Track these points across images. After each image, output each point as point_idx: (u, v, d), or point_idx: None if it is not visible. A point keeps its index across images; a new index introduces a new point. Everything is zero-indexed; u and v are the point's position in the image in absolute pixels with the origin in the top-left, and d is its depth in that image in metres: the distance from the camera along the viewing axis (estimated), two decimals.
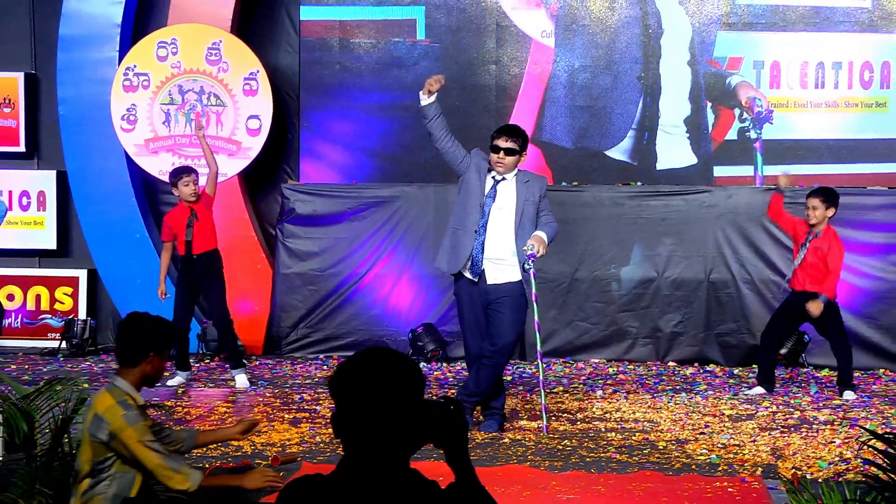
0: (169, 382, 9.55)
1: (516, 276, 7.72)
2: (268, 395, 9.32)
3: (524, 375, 10.10)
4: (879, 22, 10.94)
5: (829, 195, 9.21)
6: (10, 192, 11.62)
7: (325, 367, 10.53)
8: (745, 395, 9.31)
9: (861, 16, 10.96)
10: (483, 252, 7.67)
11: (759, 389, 9.37)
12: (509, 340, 7.84)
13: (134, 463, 5.01)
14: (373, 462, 2.88)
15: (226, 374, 10.16)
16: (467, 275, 7.74)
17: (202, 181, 9.79)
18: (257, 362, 10.74)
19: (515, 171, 7.76)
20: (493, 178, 7.74)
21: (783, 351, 10.03)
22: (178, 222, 9.58)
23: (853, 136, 11.06)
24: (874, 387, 9.59)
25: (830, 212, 9.15)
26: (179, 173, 9.65)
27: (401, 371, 2.93)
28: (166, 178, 11.12)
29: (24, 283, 11.42)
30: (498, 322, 7.75)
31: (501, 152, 7.65)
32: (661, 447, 7.52)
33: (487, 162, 7.78)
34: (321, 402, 8.97)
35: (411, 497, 2.88)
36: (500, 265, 7.71)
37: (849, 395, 9.21)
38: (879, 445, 5.24)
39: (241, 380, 9.63)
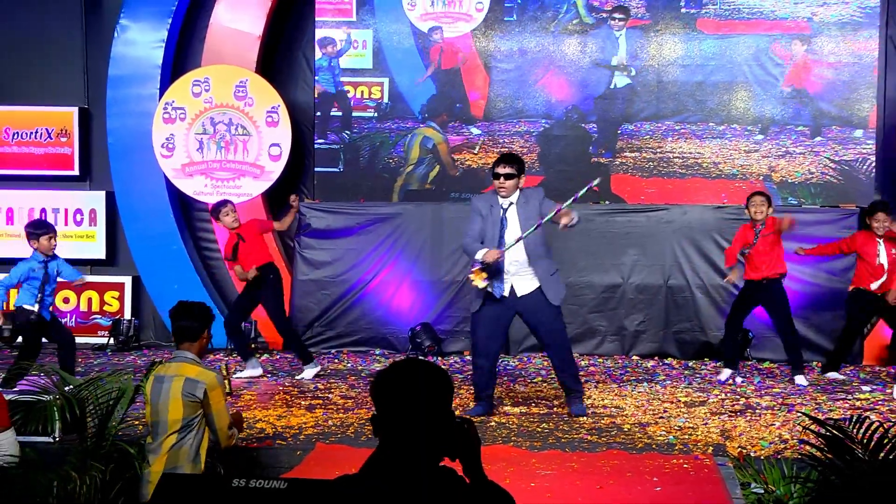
0: (240, 374, 9.49)
1: (536, 284, 7.61)
2: (286, 384, 9.29)
3: (508, 368, 10.07)
4: None
5: (767, 196, 9.29)
6: (66, 210, 11.61)
7: (336, 360, 10.50)
8: (717, 380, 9.32)
9: None
10: (502, 273, 7.53)
11: (727, 371, 9.38)
12: (561, 336, 7.82)
13: (208, 419, 5.47)
14: (408, 459, 2.85)
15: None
16: (494, 293, 7.60)
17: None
18: (278, 356, 10.70)
19: (517, 193, 7.64)
20: (502, 207, 7.60)
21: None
22: (228, 247, 9.58)
23: None
24: (808, 377, 9.56)
25: (770, 210, 9.17)
26: (218, 207, 9.59)
27: (434, 379, 2.91)
28: (201, 199, 11.15)
29: (78, 288, 11.37)
30: (538, 321, 7.73)
31: (502, 178, 7.56)
32: (626, 429, 7.51)
33: (489, 196, 7.74)
34: (333, 391, 8.95)
35: (442, 492, 2.85)
36: (523, 277, 7.61)
37: (800, 379, 9.21)
38: (815, 428, 5.22)
39: (309, 372, 9.51)
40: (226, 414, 5.52)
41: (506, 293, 7.62)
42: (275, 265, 9.71)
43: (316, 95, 11.47)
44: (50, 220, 11.02)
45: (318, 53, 11.39)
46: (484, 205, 7.70)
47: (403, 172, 11.46)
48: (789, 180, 10.94)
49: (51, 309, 8.71)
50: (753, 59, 10.99)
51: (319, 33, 11.39)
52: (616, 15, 11.09)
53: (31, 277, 8.56)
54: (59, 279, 8.92)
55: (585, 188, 7.59)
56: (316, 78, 11.44)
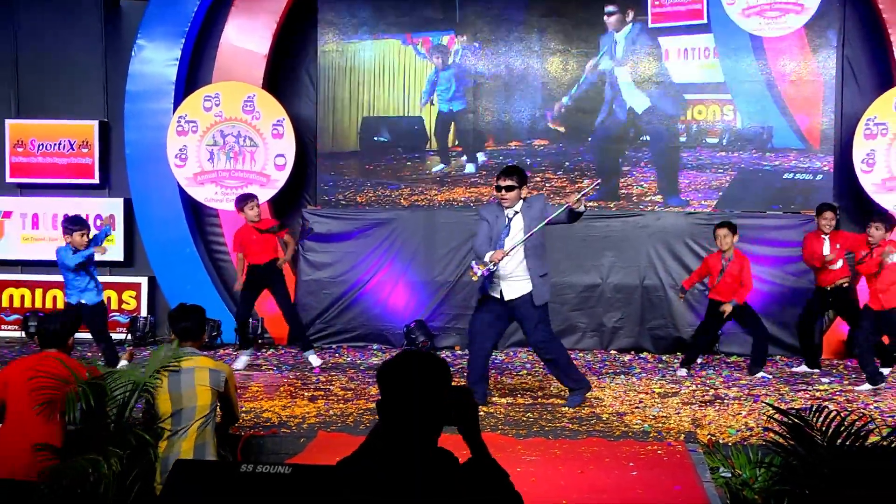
0: (236, 364, 9.48)
1: (527, 288, 7.61)
2: (291, 376, 9.28)
3: (495, 361, 10.06)
4: None
5: (732, 226, 9.26)
6: (87, 215, 11.50)
7: (337, 355, 10.49)
8: (676, 374, 9.35)
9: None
10: (495, 276, 7.56)
11: (683, 371, 9.41)
12: (546, 337, 7.79)
13: (229, 402, 5.76)
14: (405, 439, 2.87)
15: (258, 361, 10.11)
16: (493, 294, 7.67)
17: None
18: (282, 351, 10.69)
19: (520, 202, 7.64)
20: (507, 216, 7.61)
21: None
22: (244, 238, 9.51)
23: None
24: (771, 369, 9.59)
25: (735, 238, 9.19)
26: (245, 199, 9.53)
27: (432, 367, 2.93)
28: (212, 205, 11.14)
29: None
30: (528, 330, 7.74)
31: (503, 190, 7.58)
32: (604, 418, 7.51)
33: (494, 206, 7.75)
34: (333, 383, 8.94)
35: (437, 467, 2.86)
36: (512, 281, 7.60)
37: (760, 374, 9.24)
38: (778, 417, 5.23)
39: (314, 359, 9.58)
40: (237, 398, 5.94)
41: (497, 296, 7.64)
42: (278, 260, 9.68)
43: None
44: None
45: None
46: (490, 213, 7.74)
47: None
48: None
49: (82, 301, 8.71)
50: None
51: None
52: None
53: (64, 268, 8.59)
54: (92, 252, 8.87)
55: (587, 189, 7.61)
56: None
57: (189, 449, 5.45)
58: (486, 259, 7.49)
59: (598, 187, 7.76)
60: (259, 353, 10.44)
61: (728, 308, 9.06)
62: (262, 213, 9.66)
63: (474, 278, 7.65)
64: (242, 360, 9.64)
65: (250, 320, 10.81)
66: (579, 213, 7.45)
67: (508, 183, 7.58)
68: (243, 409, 7.55)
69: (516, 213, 7.60)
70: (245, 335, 9.80)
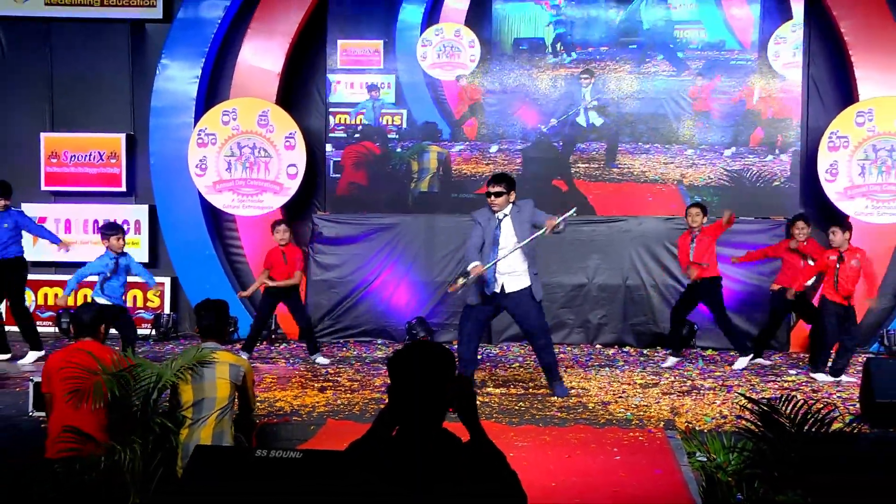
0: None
1: (526, 283, 7.69)
2: (302, 369, 9.27)
3: (490, 355, 10.07)
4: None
5: (703, 206, 9.32)
6: (115, 220, 11.57)
7: (344, 349, 10.48)
8: (662, 366, 9.32)
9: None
10: (496, 273, 7.63)
11: (672, 360, 9.40)
12: (543, 325, 7.87)
13: (246, 394, 5.71)
14: (409, 420, 2.87)
15: (271, 354, 10.10)
16: (492, 290, 7.69)
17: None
18: (294, 345, 10.67)
19: (510, 205, 7.69)
20: (497, 218, 7.68)
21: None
22: (273, 259, 9.52)
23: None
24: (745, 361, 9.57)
25: (705, 218, 9.22)
26: (276, 224, 9.62)
27: (436, 356, 2.94)
28: (229, 211, 11.14)
29: (125, 287, 11.32)
30: (523, 313, 7.76)
31: (493, 196, 7.66)
32: (590, 407, 7.50)
33: (486, 210, 7.77)
34: (341, 375, 8.93)
35: (442, 448, 2.86)
36: (513, 276, 7.68)
37: (741, 362, 9.22)
38: (750, 406, 5.23)
39: (322, 360, 9.53)
40: (254, 392, 5.85)
41: (497, 290, 7.69)
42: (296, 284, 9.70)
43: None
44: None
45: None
46: (483, 217, 7.78)
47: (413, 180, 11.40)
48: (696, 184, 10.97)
49: (123, 298, 8.74)
50: (687, 95, 11.02)
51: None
52: (583, 75, 11.09)
53: (101, 272, 8.64)
54: (130, 276, 9.00)
55: (566, 214, 7.64)
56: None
57: (208, 436, 5.44)
58: (469, 268, 7.61)
59: (574, 214, 7.80)
60: (272, 348, 10.42)
61: (694, 272, 9.12)
62: (289, 239, 9.63)
63: (450, 290, 7.83)
64: (321, 359, 9.59)
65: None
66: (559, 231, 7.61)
67: (497, 189, 7.64)
68: (258, 398, 7.55)
69: (506, 215, 7.66)
70: (253, 336, 9.68)
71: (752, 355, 9.36)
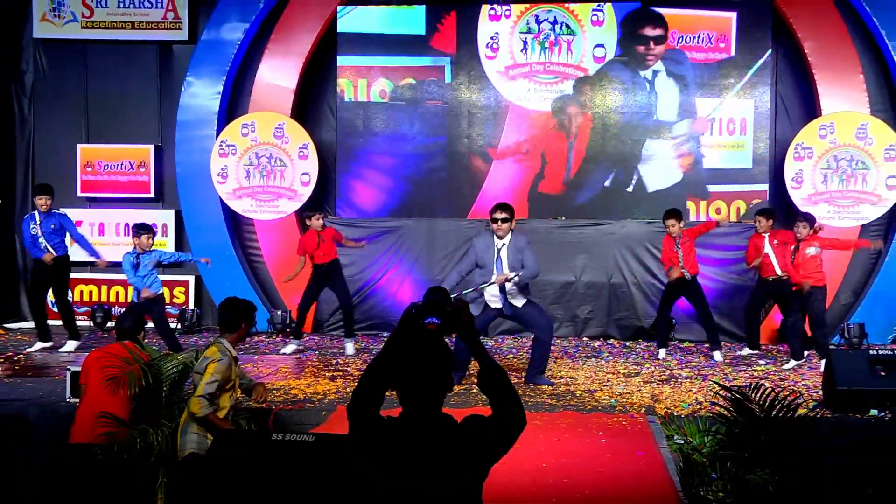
0: (284, 350, 9.51)
1: (527, 297, 7.86)
2: (314, 359, 9.27)
3: (486, 347, 10.04)
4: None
5: (679, 215, 9.30)
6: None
7: (354, 342, 10.45)
8: (658, 359, 9.30)
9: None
10: (506, 291, 7.77)
11: (662, 352, 9.41)
12: (548, 323, 8.00)
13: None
14: (418, 405, 2.84)
15: (286, 346, 10.09)
16: (495, 305, 7.83)
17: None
18: (307, 338, 10.65)
19: (510, 235, 7.79)
20: (496, 246, 7.76)
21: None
22: (309, 243, 9.49)
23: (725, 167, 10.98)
24: (723, 352, 9.56)
25: (682, 223, 9.22)
26: (310, 214, 9.61)
27: (433, 343, 2.90)
28: (248, 215, 11.13)
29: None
30: (534, 319, 7.88)
31: (499, 222, 7.75)
32: (578, 394, 7.51)
33: (488, 234, 7.86)
34: (350, 365, 8.92)
35: (440, 427, 2.84)
36: (517, 297, 7.82)
37: (717, 355, 9.22)
38: (723, 393, 5.23)
39: (350, 347, 9.53)
40: (200, 389, 5.15)
41: (501, 306, 7.83)
42: (339, 260, 9.69)
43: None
44: (130, 233, 11.06)
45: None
46: (482, 243, 7.88)
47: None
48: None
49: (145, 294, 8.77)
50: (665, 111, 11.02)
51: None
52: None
53: (132, 266, 8.69)
54: (163, 262, 9.08)
55: (515, 274, 7.70)
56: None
57: (183, 420, 5.26)
58: (446, 286, 7.61)
59: (518, 278, 7.79)
60: (287, 340, 10.39)
61: (675, 272, 9.14)
62: (324, 224, 9.67)
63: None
64: (291, 347, 9.61)
65: (280, 311, 10.84)
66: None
67: (503, 216, 7.79)
68: (275, 387, 7.55)
69: (504, 244, 7.77)
70: (300, 325, 9.69)
71: (721, 350, 9.36)
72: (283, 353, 9.42)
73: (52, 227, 9.49)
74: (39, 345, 9.59)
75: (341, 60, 11.25)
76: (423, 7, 11.14)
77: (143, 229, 8.81)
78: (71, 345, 9.56)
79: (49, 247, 9.44)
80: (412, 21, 11.19)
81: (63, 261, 9.59)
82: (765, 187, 10.76)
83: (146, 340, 6.54)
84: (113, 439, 5.35)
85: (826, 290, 9.02)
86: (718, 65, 10.85)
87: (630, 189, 11.05)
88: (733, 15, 10.77)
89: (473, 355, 2.95)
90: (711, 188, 10.94)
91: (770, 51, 10.74)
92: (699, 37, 10.86)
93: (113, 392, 5.59)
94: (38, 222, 9.46)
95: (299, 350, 9.64)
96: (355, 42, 11.24)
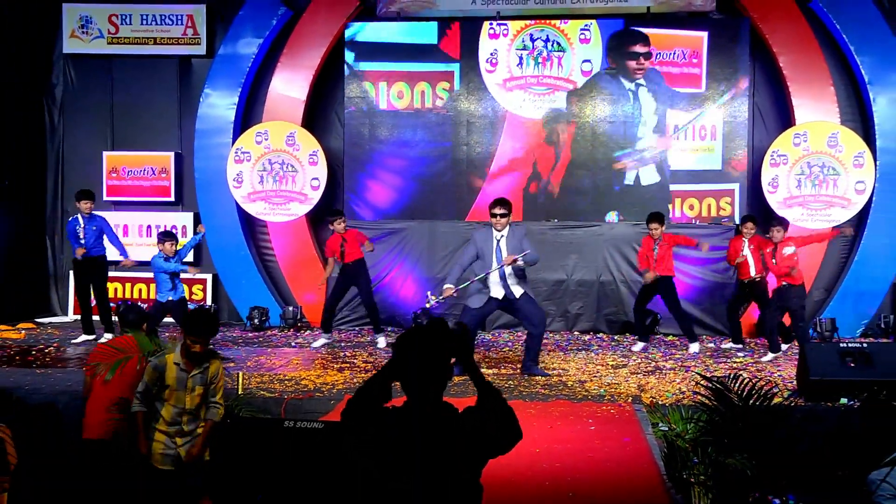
0: (314, 344, 9.48)
1: (525, 287, 7.78)
2: (323, 352, 9.26)
3: (484, 340, 10.07)
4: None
5: (661, 219, 9.30)
6: (165, 226, 11.55)
7: (359, 335, 10.47)
8: (633, 350, 9.32)
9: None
10: (506, 279, 7.70)
11: (640, 345, 9.42)
12: (542, 317, 7.93)
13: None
14: (420, 396, 2.84)
15: (297, 339, 10.09)
16: (495, 295, 7.74)
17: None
18: (317, 332, 10.65)
19: (508, 227, 7.74)
20: (496, 238, 7.71)
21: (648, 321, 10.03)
22: (334, 245, 9.47)
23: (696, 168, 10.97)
24: (701, 345, 9.57)
25: (664, 227, 9.23)
26: (334, 216, 9.57)
27: (437, 335, 2.90)
28: (262, 218, 11.13)
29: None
30: (529, 312, 7.80)
31: (498, 216, 7.70)
32: (569, 385, 7.51)
33: (488, 228, 7.80)
34: (357, 357, 8.92)
35: (442, 416, 2.84)
36: (516, 285, 7.75)
37: (694, 347, 9.24)
38: (704, 383, 5.23)
39: (382, 341, 9.50)
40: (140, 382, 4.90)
41: (503, 294, 7.74)
42: (364, 260, 9.62)
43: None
44: (152, 233, 11.13)
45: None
46: (481, 237, 7.83)
47: None
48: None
49: (170, 298, 8.82)
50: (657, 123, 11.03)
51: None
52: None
53: (157, 271, 8.77)
54: (183, 256, 9.14)
55: (521, 255, 7.64)
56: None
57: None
58: (444, 287, 7.69)
59: (524, 259, 7.77)
60: (298, 334, 10.40)
61: (651, 276, 9.17)
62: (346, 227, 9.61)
63: (427, 305, 7.91)
64: (320, 341, 9.60)
65: (291, 307, 10.83)
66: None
67: (502, 211, 7.72)
68: (287, 377, 7.55)
69: (503, 236, 7.71)
70: (329, 321, 9.67)
71: (698, 342, 9.39)
72: (314, 348, 9.41)
73: (94, 228, 9.66)
74: (83, 337, 9.81)
75: (350, 67, 11.24)
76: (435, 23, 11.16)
77: (167, 237, 8.93)
78: (107, 337, 9.62)
79: (88, 246, 9.57)
80: (421, 31, 11.19)
81: (101, 260, 9.75)
82: (733, 186, 10.75)
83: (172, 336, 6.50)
84: (118, 433, 5.22)
85: (804, 287, 9.05)
86: (700, 78, 10.84)
87: (617, 189, 11.03)
88: (704, 34, 10.78)
89: (471, 380, 2.94)
90: (685, 187, 10.91)
91: (749, 64, 10.75)
92: (674, 53, 10.87)
93: (91, 376, 5.44)
94: (81, 225, 9.63)
95: (327, 343, 9.61)
96: (363, 49, 11.24)
